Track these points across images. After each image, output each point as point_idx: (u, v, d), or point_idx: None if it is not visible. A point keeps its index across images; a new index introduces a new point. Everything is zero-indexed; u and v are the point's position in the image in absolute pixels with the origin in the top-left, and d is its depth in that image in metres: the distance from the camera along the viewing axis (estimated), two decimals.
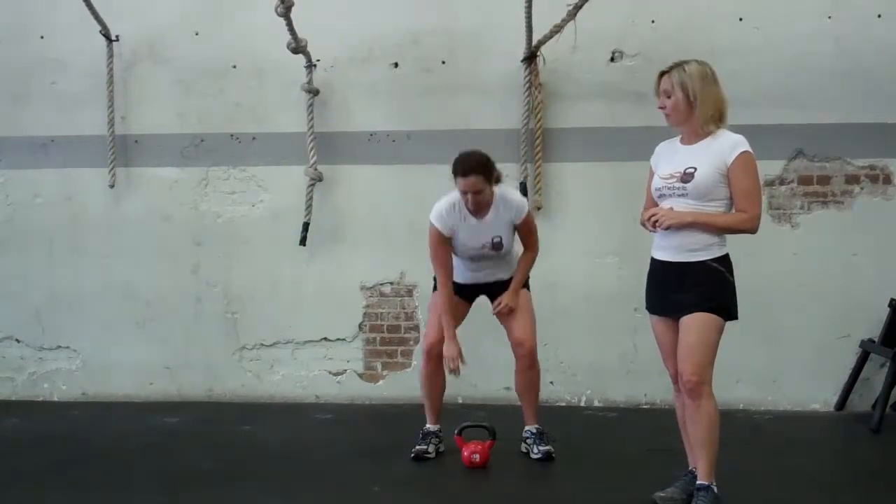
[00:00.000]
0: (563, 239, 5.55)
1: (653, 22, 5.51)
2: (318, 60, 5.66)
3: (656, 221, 3.48)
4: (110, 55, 5.77)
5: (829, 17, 5.41)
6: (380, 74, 5.72)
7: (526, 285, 4.50)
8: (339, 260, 5.79)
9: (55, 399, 5.97)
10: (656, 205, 3.59)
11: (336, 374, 5.86)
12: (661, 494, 3.66)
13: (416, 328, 5.72)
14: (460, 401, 5.52)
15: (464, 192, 4.18)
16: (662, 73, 3.54)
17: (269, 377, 5.88)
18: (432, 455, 4.47)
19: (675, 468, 3.80)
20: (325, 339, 5.84)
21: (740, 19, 5.46)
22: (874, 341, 5.28)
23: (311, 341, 5.85)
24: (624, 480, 4.07)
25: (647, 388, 5.53)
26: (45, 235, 5.94)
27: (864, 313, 5.38)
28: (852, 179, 5.46)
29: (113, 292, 5.91)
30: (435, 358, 4.39)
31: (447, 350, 4.28)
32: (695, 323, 3.43)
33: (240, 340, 5.88)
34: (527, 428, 4.51)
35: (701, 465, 3.52)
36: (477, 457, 4.29)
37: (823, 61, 5.39)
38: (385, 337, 5.82)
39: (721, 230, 3.47)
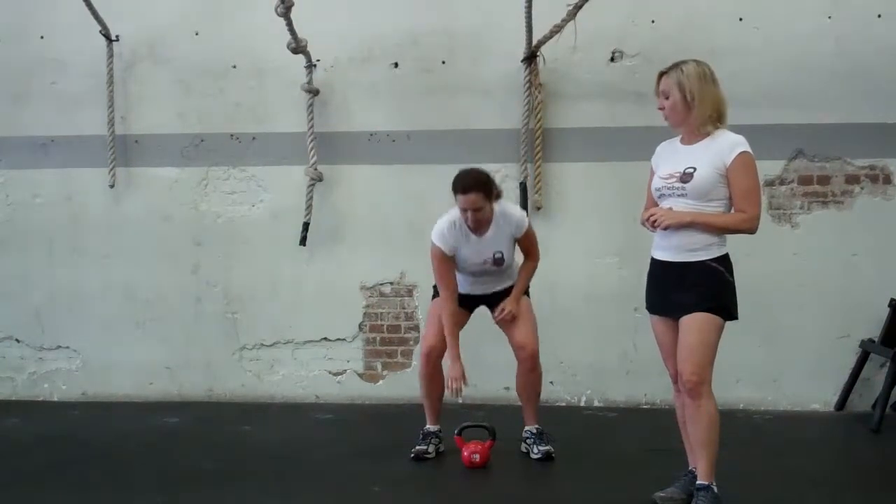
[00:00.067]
0: (563, 239, 5.55)
1: (653, 22, 5.51)
2: (318, 60, 5.66)
3: (655, 221, 3.49)
4: (110, 55, 5.78)
5: (829, 17, 5.41)
6: (380, 74, 5.72)
7: (526, 292, 4.53)
8: (339, 260, 5.79)
9: (55, 399, 5.98)
10: (657, 205, 3.60)
11: (336, 374, 5.86)
12: (661, 494, 3.66)
13: (416, 328, 5.72)
14: (460, 401, 5.49)
15: (464, 210, 4.19)
16: (661, 74, 3.54)
17: (269, 377, 5.89)
18: (432, 455, 4.47)
19: (675, 468, 3.80)
20: (325, 339, 5.84)
21: (740, 19, 5.46)
22: (874, 341, 5.28)
23: (311, 341, 5.85)
24: (624, 480, 4.07)
25: (647, 388, 5.53)
26: (45, 235, 5.94)
27: (864, 313, 5.38)
28: (852, 179, 5.46)
29: (113, 292, 5.91)
30: (434, 360, 4.40)
31: (451, 370, 4.28)
32: (695, 323, 3.43)
33: (240, 340, 5.88)
34: (527, 428, 4.51)
35: (701, 465, 3.51)
36: (477, 457, 4.29)
37: (823, 61, 5.39)
38: (385, 337, 5.82)
39: (720, 230, 3.47)
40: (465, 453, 4.31)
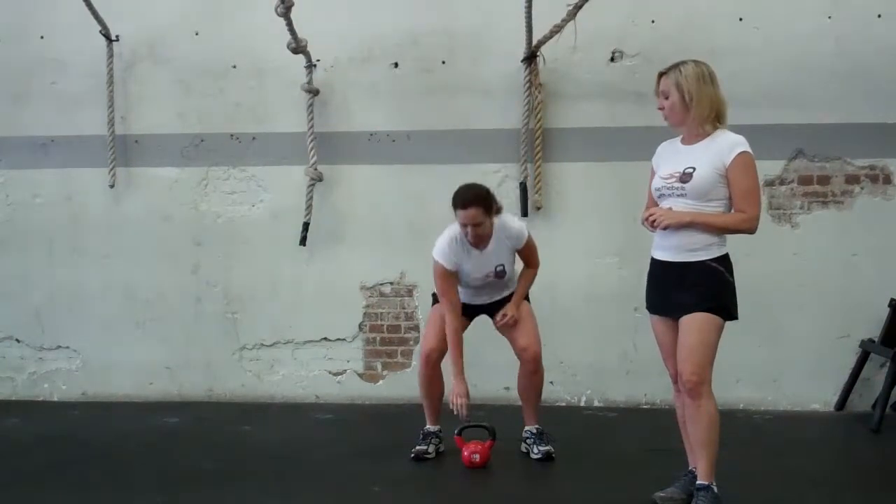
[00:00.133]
0: (563, 239, 5.55)
1: (653, 22, 5.51)
2: (318, 60, 5.66)
3: (654, 221, 3.49)
4: (110, 55, 5.78)
5: (829, 17, 5.41)
6: (380, 74, 5.72)
7: (526, 297, 4.54)
8: (339, 260, 5.79)
9: (55, 399, 5.97)
10: (657, 205, 3.60)
11: (336, 374, 5.86)
12: (661, 494, 3.66)
13: (416, 328, 5.72)
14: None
15: (464, 225, 4.19)
16: (661, 75, 3.55)
17: (269, 377, 5.89)
18: (432, 455, 4.48)
19: (675, 468, 3.80)
20: (325, 339, 5.84)
21: (740, 19, 5.46)
22: (874, 341, 5.28)
23: (311, 341, 5.85)
24: (624, 480, 4.07)
25: (647, 388, 5.53)
26: (45, 235, 5.94)
27: (864, 313, 5.38)
28: (852, 179, 5.46)
29: (113, 292, 5.91)
30: (434, 362, 4.40)
31: (455, 387, 4.27)
32: (694, 323, 3.43)
33: (240, 340, 5.88)
34: (527, 428, 4.51)
35: (701, 465, 3.51)
36: (477, 457, 4.29)
37: (823, 61, 5.39)
38: (385, 337, 5.82)
39: (720, 230, 3.47)
40: (465, 453, 4.31)
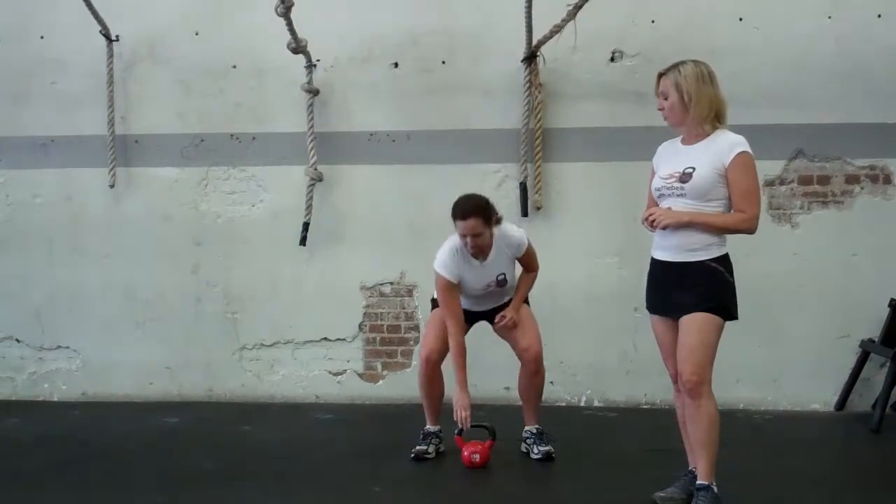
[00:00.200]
0: (563, 239, 5.55)
1: (653, 22, 5.51)
2: (318, 60, 5.66)
3: (654, 221, 3.49)
4: (110, 55, 5.78)
5: (829, 17, 5.41)
6: (380, 74, 5.72)
7: (526, 301, 4.54)
8: (339, 260, 5.79)
9: (55, 399, 5.97)
10: (657, 205, 3.60)
11: (336, 374, 5.86)
12: (661, 494, 3.66)
13: (416, 328, 5.72)
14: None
15: (463, 236, 4.19)
16: (660, 75, 3.55)
17: (269, 377, 5.89)
18: (432, 455, 4.48)
19: (675, 468, 3.80)
20: (325, 339, 5.84)
21: (740, 19, 5.46)
22: (874, 341, 5.28)
23: (311, 341, 5.85)
24: (624, 480, 4.07)
25: (647, 388, 5.53)
26: (45, 235, 5.94)
27: (864, 313, 5.38)
28: (852, 179, 5.46)
29: (113, 292, 5.91)
30: (434, 363, 4.41)
31: (458, 399, 4.26)
32: (694, 323, 3.43)
33: (240, 340, 5.88)
34: (527, 428, 4.51)
35: (701, 465, 3.52)
36: (477, 457, 4.29)
37: (823, 61, 5.39)
38: (385, 337, 5.82)
39: (719, 230, 3.47)
40: (465, 453, 4.31)
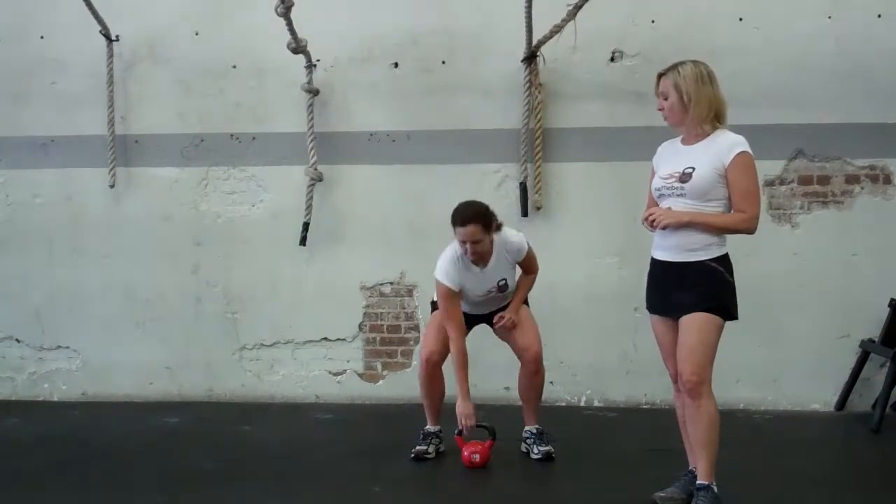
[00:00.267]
0: (563, 239, 5.55)
1: (653, 22, 5.51)
2: (318, 60, 5.66)
3: (654, 221, 3.49)
4: (110, 55, 5.78)
5: (829, 17, 5.41)
6: (380, 74, 5.72)
7: (525, 302, 4.54)
8: (339, 260, 5.79)
9: (55, 399, 5.97)
10: (657, 205, 3.60)
11: (336, 374, 5.86)
12: (661, 494, 3.66)
13: (416, 328, 5.72)
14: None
15: (463, 242, 4.19)
16: (660, 75, 3.55)
17: (269, 377, 5.89)
18: (432, 455, 4.48)
19: (675, 468, 3.80)
20: (325, 339, 5.84)
21: (740, 19, 5.46)
22: (874, 341, 5.28)
23: (311, 341, 5.85)
24: (624, 480, 4.07)
25: (647, 388, 5.53)
26: (45, 235, 5.94)
27: (864, 313, 5.38)
28: (852, 179, 5.46)
29: (113, 292, 5.91)
30: (434, 364, 4.41)
31: (461, 408, 4.27)
32: (694, 323, 3.43)
33: (240, 340, 5.88)
34: (527, 428, 4.51)
35: (701, 465, 3.52)
36: (477, 457, 4.29)
37: (823, 61, 5.39)
38: (385, 337, 5.82)
39: (719, 230, 3.47)
40: (465, 453, 4.31)
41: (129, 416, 5.50)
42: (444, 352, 4.38)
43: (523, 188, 5.54)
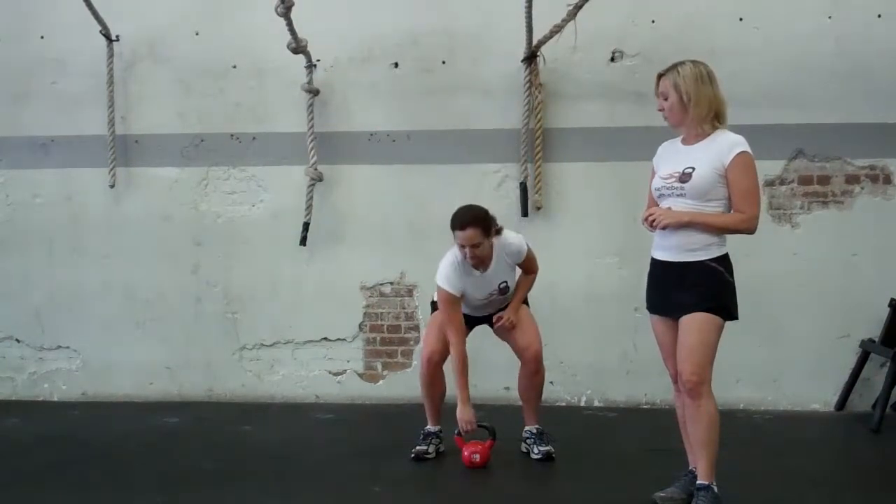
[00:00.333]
0: (563, 239, 5.55)
1: (653, 22, 5.51)
2: (318, 60, 5.66)
3: (654, 221, 3.49)
4: (110, 55, 5.78)
5: (829, 17, 5.41)
6: (380, 74, 5.72)
7: (525, 302, 4.54)
8: (339, 260, 5.79)
9: (55, 399, 5.97)
10: (657, 205, 3.60)
11: (336, 374, 5.86)
12: (661, 494, 3.66)
13: (417, 328, 5.72)
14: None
15: (462, 246, 4.18)
16: (660, 76, 3.55)
17: (269, 377, 5.89)
18: (432, 455, 4.48)
19: (675, 468, 3.80)
20: (326, 339, 5.84)
21: (740, 19, 5.46)
22: (874, 341, 5.28)
23: (311, 341, 5.85)
24: (624, 480, 4.07)
25: (647, 388, 5.53)
26: (45, 235, 5.94)
27: (864, 313, 5.38)
28: (852, 179, 5.46)
29: (113, 292, 5.91)
30: (434, 364, 4.41)
31: (462, 413, 4.27)
32: (694, 323, 3.43)
33: (240, 340, 5.88)
34: (527, 428, 4.51)
35: (701, 465, 3.52)
36: (477, 457, 4.29)
37: (823, 61, 5.39)
38: (385, 337, 5.82)
39: (719, 230, 3.47)
40: (465, 453, 4.31)
41: (129, 416, 5.50)
42: (445, 352, 4.38)
43: (523, 188, 5.54)
